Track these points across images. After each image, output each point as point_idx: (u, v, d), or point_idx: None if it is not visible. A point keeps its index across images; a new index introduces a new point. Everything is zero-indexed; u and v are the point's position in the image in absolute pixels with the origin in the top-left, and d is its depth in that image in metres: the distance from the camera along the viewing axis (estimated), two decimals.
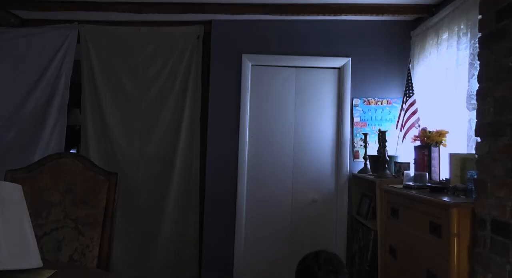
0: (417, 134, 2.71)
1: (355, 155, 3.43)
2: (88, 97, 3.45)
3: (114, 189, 1.91)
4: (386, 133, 2.91)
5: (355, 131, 3.43)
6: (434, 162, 2.52)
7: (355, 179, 3.36)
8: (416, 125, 2.90)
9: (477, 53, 1.84)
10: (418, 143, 2.70)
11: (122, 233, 3.26)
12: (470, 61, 2.34)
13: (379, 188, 2.64)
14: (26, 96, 3.40)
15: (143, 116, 3.45)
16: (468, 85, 2.31)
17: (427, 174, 2.39)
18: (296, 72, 3.49)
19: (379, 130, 2.97)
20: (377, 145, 3.01)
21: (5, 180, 1.89)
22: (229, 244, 3.38)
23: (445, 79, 2.69)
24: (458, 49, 2.55)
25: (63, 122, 3.43)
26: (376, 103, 3.43)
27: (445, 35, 2.76)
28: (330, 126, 3.46)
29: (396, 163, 2.92)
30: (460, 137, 2.48)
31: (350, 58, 3.43)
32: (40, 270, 1.35)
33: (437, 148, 2.52)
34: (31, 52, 3.44)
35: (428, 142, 2.56)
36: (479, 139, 1.76)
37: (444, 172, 2.44)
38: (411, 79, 3.01)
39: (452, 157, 2.18)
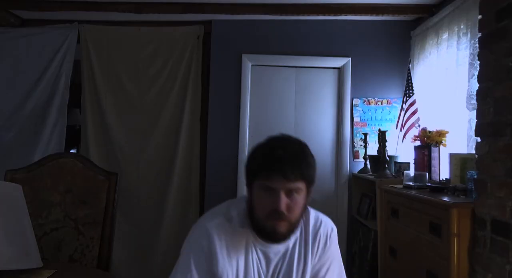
0: (417, 134, 2.71)
1: (355, 155, 3.43)
2: (88, 97, 3.45)
3: (114, 189, 1.91)
4: (386, 133, 2.91)
5: (355, 131, 3.43)
6: (434, 162, 2.52)
7: (355, 179, 3.36)
8: (416, 125, 2.90)
9: (477, 53, 1.84)
10: (418, 143, 2.70)
11: (122, 233, 3.26)
12: (470, 61, 2.34)
13: (379, 188, 2.63)
14: (26, 96, 3.40)
15: (143, 116, 3.45)
16: (468, 85, 2.31)
17: (427, 174, 2.39)
18: (296, 72, 3.49)
19: (379, 130, 2.97)
20: (377, 145, 3.01)
21: (5, 180, 1.89)
22: None
23: (445, 79, 2.69)
24: (458, 49, 2.54)
25: (63, 122, 3.42)
26: (376, 103, 3.42)
27: (445, 35, 2.76)
28: (330, 126, 3.46)
29: (396, 163, 2.92)
30: (460, 137, 2.48)
31: (350, 58, 3.43)
32: (40, 270, 1.35)
33: (437, 148, 2.52)
34: (31, 52, 3.43)
35: (428, 142, 2.56)
36: (479, 139, 1.77)
37: (444, 172, 2.44)
38: (411, 79, 3.01)
39: (452, 157, 2.18)
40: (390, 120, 3.38)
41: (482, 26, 1.78)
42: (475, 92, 1.84)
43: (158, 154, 3.43)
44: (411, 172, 2.54)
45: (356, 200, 3.36)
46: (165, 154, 3.43)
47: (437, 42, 2.86)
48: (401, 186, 2.39)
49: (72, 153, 4.21)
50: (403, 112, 3.00)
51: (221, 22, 3.46)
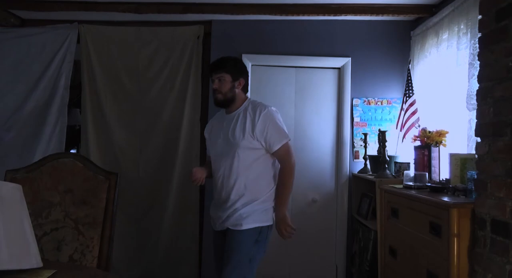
0: (417, 134, 2.71)
1: (355, 155, 3.43)
2: (88, 97, 3.45)
3: (114, 189, 1.91)
4: (386, 133, 2.91)
5: (355, 131, 3.43)
6: (434, 162, 2.52)
7: (355, 179, 3.36)
8: (416, 125, 2.90)
9: (477, 53, 1.84)
10: (418, 143, 2.71)
11: (122, 233, 3.26)
12: (470, 61, 2.34)
13: (379, 188, 2.64)
14: (26, 96, 3.40)
15: (143, 116, 3.45)
16: (468, 85, 2.32)
17: (427, 174, 2.39)
18: (296, 72, 3.49)
19: (379, 130, 2.97)
20: (377, 145, 3.01)
21: (5, 180, 1.89)
22: None
23: (445, 79, 2.69)
24: (458, 49, 2.55)
25: (63, 122, 3.42)
26: (376, 103, 3.42)
27: (445, 35, 2.76)
28: (330, 126, 3.46)
29: (396, 163, 2.92)
30: (460, 137, 2.48)
31: (350, 58, 3.43)
32: (40, 270, 1.35)
33: (437, 148, 2.52)
34: (31, 52, 3.43)
35: (428, 142, 2.56)
36: (479, 139, 1.77)
37: (444, 172, 2.44)
38: (411, 79, 3.01)
39: (452, 157, 2.18)
40: (390, 120, 3.38)
41: (482, 26, 1.78)
42: (475, 92, 1.84)
43: (158, 154, 3.44)
44: (411, 172, 2.54)
45: (356, 200, 3.36)
46: (165, 154, 3.43)
47: (437, 42, 2.86)
48: (401, 186, 2.39)
49: (72, 153, 4.21)
50: (403, 112, 3.01)
51: (221, 22, 3.46)
